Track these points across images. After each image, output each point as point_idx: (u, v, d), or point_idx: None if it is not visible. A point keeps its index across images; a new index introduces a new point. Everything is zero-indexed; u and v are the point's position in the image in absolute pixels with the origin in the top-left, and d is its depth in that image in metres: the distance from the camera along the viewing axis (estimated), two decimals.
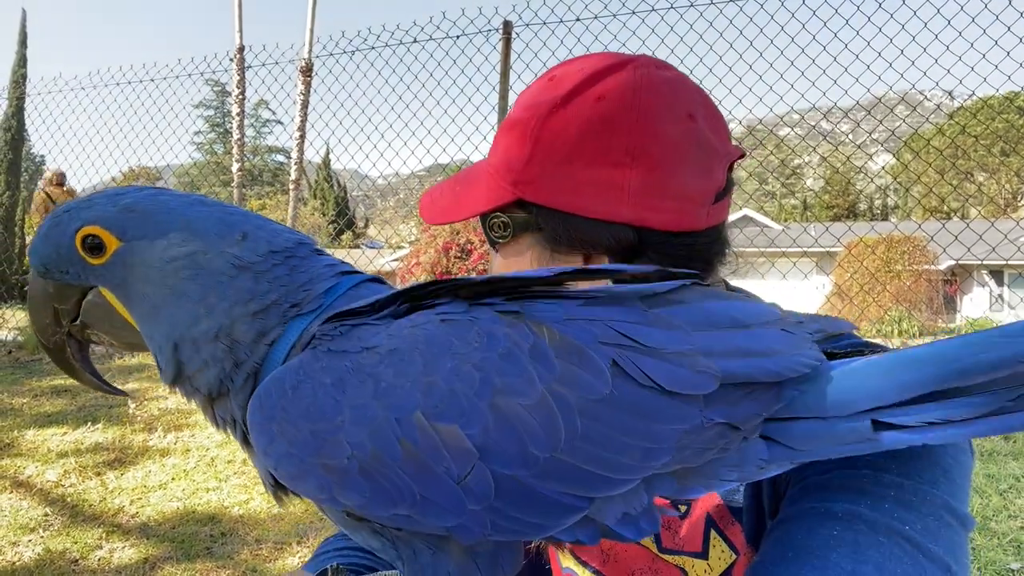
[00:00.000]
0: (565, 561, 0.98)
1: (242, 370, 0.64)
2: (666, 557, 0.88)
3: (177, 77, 9.27)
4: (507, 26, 6.86)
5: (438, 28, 8.01)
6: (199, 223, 0.66)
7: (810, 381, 0.60)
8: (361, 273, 0.71)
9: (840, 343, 0.74)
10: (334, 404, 0.55)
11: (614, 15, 7.46)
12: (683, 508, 0.88)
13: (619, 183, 0.83)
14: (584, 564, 0.95)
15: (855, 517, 0.65)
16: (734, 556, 0.84)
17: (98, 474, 5.17)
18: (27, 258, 0.70)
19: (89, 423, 6.13)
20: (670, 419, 0.56)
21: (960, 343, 0.58)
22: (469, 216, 0.92)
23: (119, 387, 0.78)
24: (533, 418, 0.54)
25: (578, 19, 7.49)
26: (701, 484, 0.60)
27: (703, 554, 0.86)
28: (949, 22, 6.07)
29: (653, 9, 7.12)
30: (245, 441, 0.66)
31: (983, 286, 26.96)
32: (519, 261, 0.92)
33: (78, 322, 0.70)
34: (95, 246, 0.65)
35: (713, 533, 0.85)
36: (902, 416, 0.57)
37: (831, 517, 0.66)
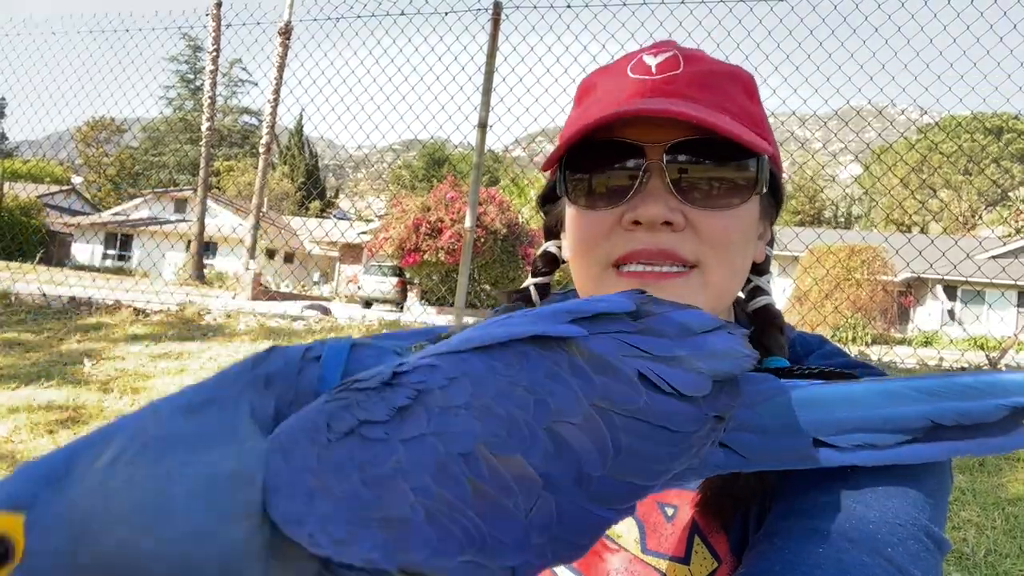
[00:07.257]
0: None
1: None
2: (647, 559, 0.89)
3: (153, 29, 8.99)
4: (497, 7, 6.79)
5: (427, 2, 7.91)
6: None
7: (763, 403, 0.66)
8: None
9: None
10: (384, 443, 0.47)
11: (604, 5, 7.45)
12: (670, 512, 0.90)
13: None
14: None
15: (840, 536, 0.67)
16: (716, 564, 0.86)
17: (50, 432, 5.05)
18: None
19: (42, 379, 5.97)
20: (687, 422, 0.59)
21: (884, 392, 0.66)
22: (748, 142, 0.81)
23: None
24: (586, 437, 0.53)
25: (569, 6, 7.45)
26: (673, 484, 0.64)
27: (685, 559, 0.87)
28: (931, 40, 6.20)
29: (644, 3, 7.13)
30: None
31: (936, 300, 27.77)
32: (749, 223, 0.88)
33: None
34: None
35: (697, 540, 0.87)
36: (835, 438, 0.65)
37: (817, 535, 0.68)
